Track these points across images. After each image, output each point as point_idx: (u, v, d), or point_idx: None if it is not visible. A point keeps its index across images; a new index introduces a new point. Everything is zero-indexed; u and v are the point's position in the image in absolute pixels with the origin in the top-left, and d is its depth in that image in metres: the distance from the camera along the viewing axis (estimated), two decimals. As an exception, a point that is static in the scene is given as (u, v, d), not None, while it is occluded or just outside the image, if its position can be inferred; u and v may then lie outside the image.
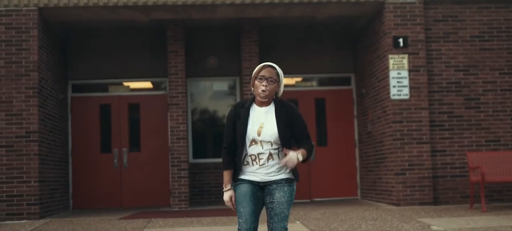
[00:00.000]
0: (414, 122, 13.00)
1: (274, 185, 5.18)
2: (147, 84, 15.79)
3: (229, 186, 5.25)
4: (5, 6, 12.62)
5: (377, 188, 14.11)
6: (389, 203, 13.28)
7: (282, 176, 5.19)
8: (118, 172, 15.42)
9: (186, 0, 12.73)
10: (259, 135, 5.10)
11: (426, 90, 13.06)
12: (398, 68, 13.05)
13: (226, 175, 5.27)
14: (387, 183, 13.37)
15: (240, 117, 5.18)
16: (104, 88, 15.71)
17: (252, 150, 5.14)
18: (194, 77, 15.67)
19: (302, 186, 15.58)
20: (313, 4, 13.10)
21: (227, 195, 5.23)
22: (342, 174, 15.72)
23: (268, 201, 5.19)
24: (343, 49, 15.90)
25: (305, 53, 15.76)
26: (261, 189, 5.22)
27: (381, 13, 13.38)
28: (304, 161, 5.14)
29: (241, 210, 5.15)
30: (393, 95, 13.01)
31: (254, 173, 5.18)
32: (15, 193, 12.36)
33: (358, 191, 15.69)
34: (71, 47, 15.42)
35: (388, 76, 13.07)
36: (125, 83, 15.82)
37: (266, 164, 5.14)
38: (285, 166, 5.05)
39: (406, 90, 13.02)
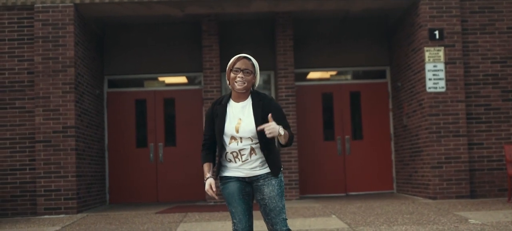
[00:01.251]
0: (450, 115, 12.88)
1: (261, 181, 5.10)
2: (182, 79, 15.85)
3: (208, 175, 5.18)
4: (42, 2, 12.76)
5: (413, 182, 14.02)
6: (426, 197, 13.19)
7: (267, 170, 5.11)
8: (154, 166, 15.52)
9: (220, -6, 12.77)
10: (237, 131, 5.03)
11: (462, 82, 12.93)
12: (434, 61, 12.94)
13: (205, 167, 5.24)
14: (423, 176, 13.28)
15: (217, 114, 5.11)
16: (139, 83, 15.81)
17: (232, 146, 5.06)
18: (229, 72, 15.68)
19: (338, 180, 15.56)
20: (348, -3, 13.04)
21: (207, 183, 5.13)
22: (377, 167, 15.65)
23: (259, 198, 5.12)
24: (378, 42, 15.80)
25: (340, 47, 15.70)
26: (249, 184, 5.14)
27: (416, 5, 13.27)
28: (285, 145, 5.04)
29: (233, 210, 5.09)
30: (429, 88, 12.91)
31: (238, 169, 5.11)
32: (53, 188, 12.50)
33: (394, 185, 15.61)
34: (106, 43, 15.54)
35: (423, 69, 12.97)
36: (160, 78, 15.90)
37: (249, 159, 5.07)
38: (268, 133, 4.85)
39: (442, 83, 12.90)
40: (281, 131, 4.90)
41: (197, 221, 10.82)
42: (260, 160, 5.10)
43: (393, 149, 15.64)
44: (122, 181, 15.36)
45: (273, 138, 5.02)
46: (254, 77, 5.12)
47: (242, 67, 5.05)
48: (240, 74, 5.03)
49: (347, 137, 15.67)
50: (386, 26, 15.74)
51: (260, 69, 15.50)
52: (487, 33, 13.18)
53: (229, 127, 5.05)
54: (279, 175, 5.16)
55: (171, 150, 15.57)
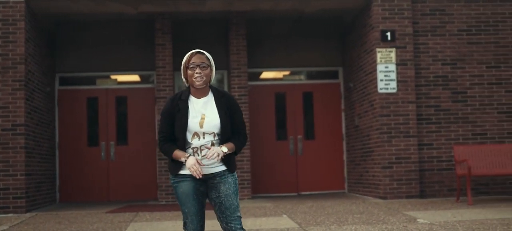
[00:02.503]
0: (401, 116, 13.02)
1: (217, 178, 5.06)
2: (135, 78, 15.75)
3: (186, 154, 4.98)
4: (-8, -2, 12.57)
5: (364, 182, 14.14)
6: (376, 197, 13.31)
7: (224, 167, 5.07)
8: (105, 165, 15.39)
9: (174, -7, 12.71)
10: (201, 126, 4.98)
11: (413, 84, 13.09)
12: (385, 62, 13.07)
13: (177, 152, 5.00)
14: (374, 176, 13.40)
15: (179, 109, 5.02)
16: (91, 81, 15.66)
17: (194, 142, 5.00)
18: (182, 71, 15.63)
19: (290, 180, 15.62)
20: (301, -3, 13.10)
21: (191, 159, 4.93)
22: (329, 167, 15.75)
23: (214, 196, 5.08)
24: (331, 43, 15.90)
25: (293, 47, 15.76)
26: (203, 183, 5.09)
27: (369, 6, 13.39)
28: (235, 153, 5.07)
29: (186, 210, 5.04)
30: (381, 89, 13.03)
31: None
32: (1, 187, 12.31)
33: (346, 185, 15.72)
34: (58, 40, 15.36)
35: (375, 70, 13.09)
36: (113, 76, 15.77)
37: (207, 156, 4.99)
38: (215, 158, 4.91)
39: (393, 84, 13.04)
40: (224, 149, 4.95)
41: (148, 220, 10.76)
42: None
43: (345, 149, 15.75)
44: (72, 180, 15.20)
45: (229, 135, 5.05)
46: (211, 70, 5.08)
47: (198, 62, 5.01)
48: (197, 70, 4.98)
49: (299, 136, 15.74)
50: (339, 27, 15.85)
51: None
52: (438, 35, 13.36)
53: (193, 123, 4.98)
54: (234, 173, 5.14)
55: (123, 148, 15.46)
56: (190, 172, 4.91)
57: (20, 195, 12.32)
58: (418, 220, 9.75)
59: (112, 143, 15.40)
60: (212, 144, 5.00)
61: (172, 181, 5.12)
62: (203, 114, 5.01)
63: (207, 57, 5.08)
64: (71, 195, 15.15)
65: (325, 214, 10.76)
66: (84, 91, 15.53)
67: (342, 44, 15.81)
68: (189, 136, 5.00)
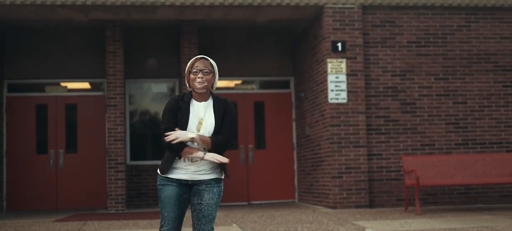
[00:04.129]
0: (351, 126, 13.13)
1: (203, 186, 5.06)
2: (85, 85, 15.60)
3: (189, 133, 4.92)
4: None
5: (314, 191, 14.21)
6: (326, 206, 13.38)
7: (212, 175, 5.08)
8: (54, 173, 15.20)
9: (126, 0, 12.63)
10: (198, 131, 5.00)
11: (363, 94, 13.21)
12: (336, 73, 13.17)
13: (181, 135, 4.90)
14: (324, 186, 13.48)
15: (181, 109, 5.04)
16: (40, 88, 15.47)
17: (189, 144, 4.99)
18: (133, 79, 15.56)
19: (240, 189, 15.61)
20: (253, 7, 13.14)
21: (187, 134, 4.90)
22: (280, 177, 15.79)
23: (195, 202, 5.07)
24: (283, 53, 15.98)
25: (245, 56, 15.79)
26: (188, 189, 5.09)
27: (320, 17, 13.49)
28: (217, 151, 4.99)
29: (165, 214, 5.03)
30: (331, 99, 13.12)
31: (184, 169, 5.04)
32: None
33: (296, 194, 15.78)
34: (7, 46, 15.14)
35: (326, 80, 13.18)
36: (63, 84, 15.60)
37: (198, 161, 5.02)
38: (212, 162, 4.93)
39: (343, 94, 13.15)
40: (190, 134, 4.89)
41: (96, 229, 10.64)
42: (208, 165, 5.06)
43: (295, 158, 15.82)
44: (20, 188, 14.98)
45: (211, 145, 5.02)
46: (213, 77, 5.12)
47: (201, 67, 5.04)
48: (200, 74, 5.02)
49: (250, 146, 15.76)
50: (291, 37, 15.93)
51: (165, 77, 15.54)
52: (388, 47, 13.51)
53: (192, 125, 5.00)
54: (221, 184, 5.14)
55: (72, 156, 15.29)
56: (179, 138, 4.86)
57: (-34, 204, 12.10)
58: (367, 229, 9.83)
59: (61, 151, 15.22)
60: (204, 151, 4.99)
61: (158, 182, 5.10)
62: (201, 119, 5.04)
63: (211, 64, 5.11)
64: (19, 204, 14.92)
65: (274, 224, 10.78)
66: (33, 98, 15.33)
67: (293, 54, 15.89)
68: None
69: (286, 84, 16.05)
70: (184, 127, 4.99)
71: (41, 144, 15.31)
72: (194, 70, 5.06)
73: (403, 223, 10.59)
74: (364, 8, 13.42)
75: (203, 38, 15.33)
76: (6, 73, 15.09)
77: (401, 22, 13.59)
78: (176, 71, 15.28)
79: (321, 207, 13.57)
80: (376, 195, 13.29)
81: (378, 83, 13.44)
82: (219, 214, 12.56)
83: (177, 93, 15.42)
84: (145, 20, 14.48)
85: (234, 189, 15.55)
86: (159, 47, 15.47)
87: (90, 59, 15.36)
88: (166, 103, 5.16)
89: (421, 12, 13.64)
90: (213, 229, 5.11)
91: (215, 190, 5.10)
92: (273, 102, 15.93)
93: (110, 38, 14.51)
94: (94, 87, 15.60)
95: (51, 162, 15.19)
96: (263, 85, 16.18)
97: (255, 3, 12.92)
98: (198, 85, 5.03)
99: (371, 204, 13.19)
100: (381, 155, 13.36)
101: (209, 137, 5.01)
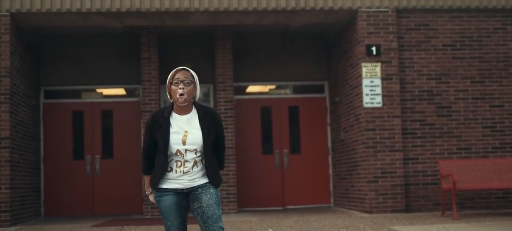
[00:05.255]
0: (386, 130, 13.06)
1: (199, 190, 5.12)
2: (120, 91, 15.72)
3: (150, 190, 5.28)
4: (-23, 11, 12.53)
5: (350, 196, 14.16)
6: (362, 211, 13.33)
7: (206, 180, 5.15)
8: (91, 179, 15.33)
9: (160, 7, 12.72)
10: (184, 143, 5.05)
11: (399, 98, 13.14)
12: (371, 77, 13.12)
13: (146, 179, 5.34)
14: (360, 190, 13.42)
15: (160, 126, 5.10)
16: (77, 94, 15.61)
17: (176, 158, 5.08)
18: (167, 84, 15.61)
19: (275, 194, 15.61)
20: (287, 12, 13.14)
21: (152, 197, 5.26)
22: (315, 181, 15.75)
23: (196, 206, 5.11)
24: (316, 57, 15.95)
25: (279, 61, 15.79)
26: (185, 197, 5.16)
27: (354, 21, 13.45)
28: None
29: (169, 224, 5.13)
30: (366, 103, 13.07)
31: (177, 180, 5.11)
32: (-15, 200, 12.24)
33: (331, 199, 15.74)
34: (44, 53, 15.32)
35: (361, 84, 13.14)
36: (98, 90, 15.73)
37: (191, 171, 5.09)
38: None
39: (378, 99, 13.09)
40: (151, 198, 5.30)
41: (133, 234, 10.71)
42: (201, 172, 5.13)
43: (330, 163, 15.77)
44: (57, 194, 15.13)
45: (211, 152, 5.14)
46: (195, 87, 5.16)
47: (182, 78, 5.08)
48: (181, 86, 5.06)
49: (285, 151, 15.75)
50: (324, 41, 15.90)
51: (199, 83, 15.55)
52: (423, 50, 13.42)
53: (175, 139, 5.05)
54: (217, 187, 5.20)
55: (108, 162, 15.40)
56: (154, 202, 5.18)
57: (5, 209, 12.25)
58: (404, 234, 9.77)
59: (97, 156, 15.35)
60: (195, 161, 5.07)
61: (155, 195, 5.17)
62: (186, 131, 5.08)
63: (191, 74, 5.16)
64: (56, 209, 15.07)
65: (311, 228, 10.76)
66: (70, 104, 15.48)
67: (327, 58, 15.85)
68: (172, 152, 5.06)
69: (320, 89, 16.02)
70: (165, 144, 5.06)
71: (77, 150, 15.45)
72: (175, 81, 5.11)
73: (440, 227, 10.50)
74: (399, 12, 13.35)
75: (236, 43, 15.37)
76: (43, 80, 15.26)
77: (436, 25, 13.50)
78: (210, 77, 15.33)
79: (357, 212, 13.51)
80: (413, 200, 13.20)
81: (414, 86, 13.36)
82: (255, 219, 12.58)
83: (211, 99, 15.47)
84: (179, 26, 14.56)
85: (269, 194, 15.55)
86: (193, 53, 15.54)
87: (125, 66, 15.48)
88: (147, 120, 5.27)
89: (456, 15, 13.53)
90: (223, 228, 5.12)
91: (212, 190, 5.14)
92: (307, 107, 15.90)
93: (145, 45, 14.61)
94: (129, 93, 15.71)
95: (88, 167, 15.32)
96: (297, 90, 16.16)
97: (288, 8, 12.92)
98: (179, 99, 5.08)
99: (408, 209, 13.10)
100: (417, 159, 13.27)
101: (219, 163, 5.27)
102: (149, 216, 14.11)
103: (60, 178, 15.18)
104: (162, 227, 11.58)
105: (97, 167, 15.33)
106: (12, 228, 12.07)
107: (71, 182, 15.23)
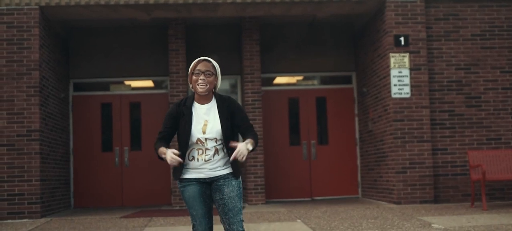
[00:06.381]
0: (415, 121, 13.00)
1: (221, 181, 5.16)
2: (148, 83, 15.79)
3: (165, 150, 5.05)
4: (7, 5, 12.64)
5: (378, 187, 14.11)
6: (390, 202, 13.28)
7: (228, 170, 5.18)
8: (119, 170, 15.44)
9: (187, -2, 12.75)
10: (204, 132, 5.09)
11: (427, 88, 13.06)
12: (399, 67, 13.05)
13: (160, 148, 5.10)
14: (388, 181, 13.37)
15: (183, 114, 5.15)
16: (105, 87, 15.71)
17: (197, 147, 5.11)
18: (195, 76, 15.66)
19: (303, 185, 15.60)
20: (314, 2, 13.10)
21: (168, 153, 4.97)
22: (343, 172, 15.72)
23: (218, 198, 5.16)
24: (344, 48, 15.90)
25: (306, 52, 15.76)
26: (208, 186, 5.19)
27: (382, 11, 13.38)
28: (252, 149, 5.13)
29: (194, 213, 5.17)
30: (394, 93, 13.01)
31: (199, 169, 5.15)
32: (16, 192, 12.37)
33: (359, 190, 15.70)
34: (72, 46, 15.43)
35: (389, 75, 13.08)
36: (127, 82, 15.82)
37: (212, 159, 5.13)
38: (236, 158, 4.98)
39: (407, 89, 13.02)
40: (249, 146, 5.03)
41: (162, 225, 10.78)
42: (222, 161, 5.17)
43: (358, 154, 15.73)
44: (87, 185, 15.25)
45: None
46: (216, 78, 5.22)
47: (203, 69, 5.14)
48: (201, 77, 5.13)
49: (313, 141, 15.74)
50: (352, 32, 15.84)
51: (226, 74, 15.62)
52: (452, 40, 13.33)
53: (196, 128, 5.11)
54: (239, 177, 5.23)
55: (137, 154, 15.50)
56: (170, 162, 5.00)
57: (35, 200, 12.38)
58: (433, 225, 9.73)
59: (126, 148, 15.45)
60: (216, 149, 5.12)
61: (179, 186, 5.23)
62: (206, 120, 5.14)
63: (213, 65, 5.22)
64: (85, 200, 15.20)
65: (339, 219, 10.75)
66: (98, 97, 15.59)
67: (354, 49, 15.80)
68: (193, 141, 5.11)
69: (348, 80, 15.97)
70: (187, 133, 5.10)
71: (106, 141, 15.56)
72: (196, 72, 5.16)
73: (470, 218, 10.44)
74: (427, 2, 13.26)
75: (263, 34, 15.37)
76: (71, 73, 15.38)
77: (465, 15, 13.39)
78: (237, 68, 15.35)
79: (385, 203, 13.47)
80: (441, 190, 13.13)
81: (442, 77, 13.27)
82: (282, 210, 12.59)
83: (238, 90, 15.49)
84: (206, 18, 14.59)
85: (297, 185, 15.56)
86: (220, 44, 15.56)
87: (153, 58, 15.55)
88: (170, 108, 5.29)
89: (486, 4, 13.41)
90: (242, 221, 5.18)
91: (233, 183, 5.18)
92: (335, 97, 15.86)
93: (172, 37, 14.67)
94: (157, 85, 15.77)
95: (117, 159, 15.43)
96: (324, 80, 16.12)
97: (316, -1, 12.90)
98: (199, 89, 5.13)
99: (436, 200, 13.03)
100: (446, 149, 13.19)
101: (251, 138, 5.11)
102: (177, 207, 14.18)
103: (89, 170, 15.30)
104: (189, 218, 11.63)
105: (126, 159, 15.42)
106: (43, 219, 12.20)
107: (100, 173, 15.35)
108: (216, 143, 5.12)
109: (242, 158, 4.95)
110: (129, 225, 10.94)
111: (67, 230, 10.53)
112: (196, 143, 5.10)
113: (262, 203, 14.34)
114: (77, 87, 15.53)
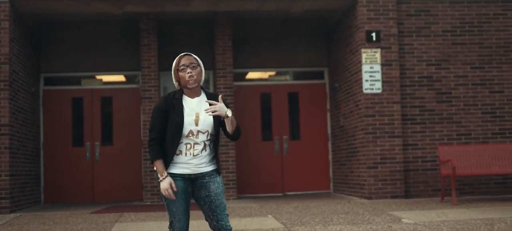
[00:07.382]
0: (386, 116, 13.06)
1: (206, 178, 5.18)
2: (120, 78, 15.70)
3: (165, 174, 5.05)
4: (-24, -2, 12.50)
5: (349, 182, 14.17)
6: (361, 197, 13.34)
7: (212, 167, 5.21)
8: (90, 165, 15.34)
9: (159, -7, 12.69)
10: (196, 124, 5.09)
11: (398, 84, 13.13)
12: (370, 62, 13.10)
13: (159, 164, 5.08)
14: (359, 176, 13.43)
15: (174, 107, 5.12)
16: (76, 81, 15.60)
17: (188, 139, 5.10)
18: (167, 71, 15.58)
19: (275, 180, 15.62)
20: (286, -2, 13.11)
21: (166, 182, 5.01)
22: (315, 167, 15.76)
23: (203, 195, 5.17)
24: (317, 44, 15.93)
25: (279, 47, 15.77)
26: (190, 183, 5.19)
27: (355, 7, 13.42)
28: (233, 136, 5.21)
29: (174, 209, 5.14)
30: (366, 89, 13.06)
31: (185, 164, 5.12)
32: (-15, 187, 12.24)
33: (331, 185, 15.75)
34: (43, 40, 15.30)
35: (360, 70, 13.12)
36: (98, 77, 15.72)
37: (200, 155, 5.13)
38: (213, 111, 5.00)
39: (378, 85, 13.08)
40: (229, 113, 5.08)
41: (133, 221, 10.74)
42: (208, 157, 5.18)
43: (330, 149, 15.78)
44: (57, 180, 15.14)
45: (218, 138, 5.20)
46: (200, 70, 5.23)
47: (187, 63, 5.16)
48: (188, 70, 5.14)
49: (285, 137, 15.75)
50: (325, 27, 15.87)
51: (199, 69, 15.55)
52: (423, 36, 13.41)
53: (188, 120, 5.10)
54: (220, 174, 5.29)
55: (108, 149, 15.41)
56: (162, 191, 5.03)
57: (5, 196, 12.26)
58: (403, 220, 9.78)
59: (97, 143, 15.35)
60: (204, 144, 5.14)
61: (160, 180, 5.13)
62: (198, 113, 5.14)
63: (195, 58, 5.24)
64: (56, 196, 15.09)
65: (310, 214, 10.78)
66: (69, 91, 15.47)
67: (327, 44, 15.83)
68: (184, 133, 5.10)
69: (320, 75, 16.00)
70: (179, 125, 5.08)
71: (77, 136, 15.45)
72: (182, 67, 5.18)
73: (440, 213, 10.52)
74: (399, -2, 13.35)
75: (236, 30, 15.35)
76: (42, 67, 15.24)
77: (436, 11, 13.48)
78: (210, 64, 15.31)
79: (357, 198, 13.53)
80: (412, 185, 13.21)
81: (413, 73, 13.35)
82: (254, 205, 12.59)
83: (211, 85, 15.46)
84: (179, 13, 14.53)
85: (269, 180, 15.57)
86: (193, 40, 15.51)
87: (124, 52, 15.46)
88: (156, 104, 5.25)
89: (456, 0, 13.51)
90: (228, 215, 5.24)
91: (218, 179, 5.23)
92: (307, 93, 15.89)
93: (144, 31, 14.60)
94: (129, 80, 15.69)
95: (88, 154, 15.33)
96: (297, 76, 16.14)
97: (288, -6, 12.90)
98: (190, 81, 5.14)
99: (407, 195, 13.12)
100: (416, 144, 13.28)
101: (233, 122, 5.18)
102: (148, 203, 14.13)
103: (60, 165, 15.18)
104: (161, 213, 11.60)
105: (97, 154, 15.33)
106: (12, 215, 12.09)
107: (71, 169, 15.24)
108: (207, 137, 5.12)
109: (215, 112, 5.00)
110: (100, 220, 10.88)
111: (37, 225, 10.45)
112: (188, 135, 5.08)
113: (233, 199, 14.34)
114: (48, 82, 15.40)
